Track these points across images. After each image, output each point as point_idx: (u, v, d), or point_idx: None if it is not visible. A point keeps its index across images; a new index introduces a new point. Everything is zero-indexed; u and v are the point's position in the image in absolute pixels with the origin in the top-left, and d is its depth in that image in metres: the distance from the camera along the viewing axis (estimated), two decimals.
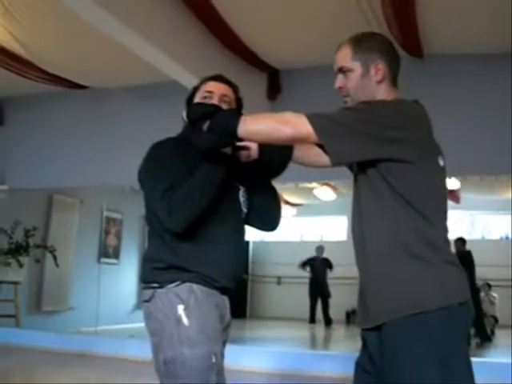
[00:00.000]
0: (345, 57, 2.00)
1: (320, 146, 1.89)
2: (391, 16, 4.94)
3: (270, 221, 2.38)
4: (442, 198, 1.94)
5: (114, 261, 10.63)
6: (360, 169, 1.93)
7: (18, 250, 7.93)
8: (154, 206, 2.10)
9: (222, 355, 2.06)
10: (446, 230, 1.90)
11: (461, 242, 8.43)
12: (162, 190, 2.04)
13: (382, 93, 1.98)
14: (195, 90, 2.30)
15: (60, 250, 8.51)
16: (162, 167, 2.12)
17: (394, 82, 2.02)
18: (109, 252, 10.58)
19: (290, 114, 1.89)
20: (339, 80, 2.03)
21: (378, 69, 1.97)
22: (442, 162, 1.94)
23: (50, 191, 8.96)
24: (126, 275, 10.69)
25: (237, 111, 2.20)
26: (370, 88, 1.98)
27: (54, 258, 8.28)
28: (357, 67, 1.98)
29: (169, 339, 2.01)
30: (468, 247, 8.43)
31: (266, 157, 2.21)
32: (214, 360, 1.98)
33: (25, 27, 5.53)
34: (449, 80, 5.95)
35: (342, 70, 2.02)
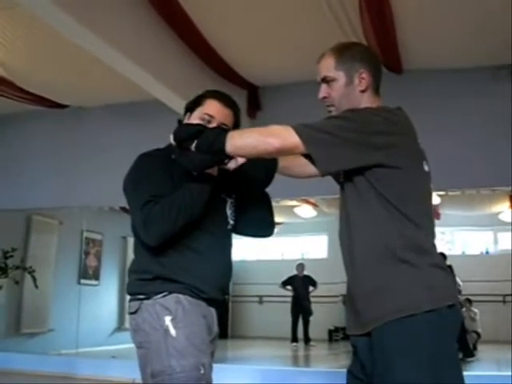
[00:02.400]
0: (328, 66, 2.01)
1: (308, 156, 1.89)
2: (370, 32, 4.99)
3: (266, 226, 2.40)
4: (428, 203, 1.96)
5: (94, 282, 10.46)
6: (347, 177, 1.93)
7: None
8: (133, 217, 2.09)
9: (211, 366, 2.04)
10: (432, 234, 1.92)
11: (441, 257, 8.47)
12: (142, 202, 2.03)
13: (366, 101, 1.99)
14: (198, 99, 2.22)
15: (39, 272, 8.36)
16: (146, 179, 2.11)
17: (377, 90, 2.03)
18: (89, 273, 10.41)
19: (276, 126, 1.89)
20: (323, 90, 2.03)
21: (362, 78, 1.98)
22: (426, 167, 1.95)
23: (28, 212, 8.80)
24: (106, 296, 10.52)
25: (224, 129, 2.18)
26: (354, 97, 1.99)
27: (34, 279, 8.13)
28: (340, 77, 1.99)
29: (156, 351, 1.98)
30: (448, 262, 8.49)
31: (251, 171, 2.20)
32: (202, 371, 1.96)
33: (4, 46, 5.49)
34: (427, 94, 5.98)
35: (325, 80, 2.02)
